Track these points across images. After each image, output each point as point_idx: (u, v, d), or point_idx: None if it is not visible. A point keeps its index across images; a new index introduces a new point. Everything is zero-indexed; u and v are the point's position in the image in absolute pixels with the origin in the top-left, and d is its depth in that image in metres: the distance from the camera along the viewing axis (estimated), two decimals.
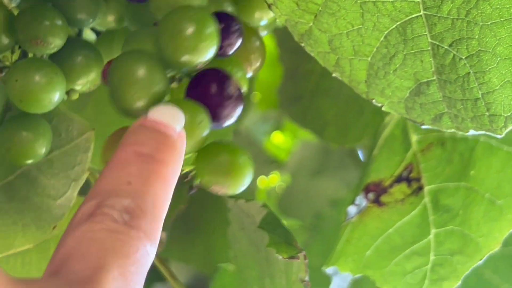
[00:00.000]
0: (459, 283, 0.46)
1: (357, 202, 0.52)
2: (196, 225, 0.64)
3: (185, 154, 0.34)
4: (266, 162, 0.91)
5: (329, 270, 0.54)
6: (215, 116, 0.34)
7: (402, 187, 0.51)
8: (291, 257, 0.46)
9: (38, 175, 0.38)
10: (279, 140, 1.12)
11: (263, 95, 0.97)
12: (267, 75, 0.92)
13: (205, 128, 0.33)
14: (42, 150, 0.36)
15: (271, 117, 1.03)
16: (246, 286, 0.54)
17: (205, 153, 0.35)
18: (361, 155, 0.80)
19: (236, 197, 0.52)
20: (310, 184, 0.89)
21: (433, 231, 0.48)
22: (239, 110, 0.35)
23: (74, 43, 0.38)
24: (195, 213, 0.65)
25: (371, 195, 0.52)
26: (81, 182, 0.38)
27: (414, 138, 0.52)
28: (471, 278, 0.68)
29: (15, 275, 0.36)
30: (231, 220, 0.55)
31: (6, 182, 0.38)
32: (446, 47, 0.31)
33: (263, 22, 0.40)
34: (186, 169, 0.36)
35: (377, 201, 0.52)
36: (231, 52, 0.36)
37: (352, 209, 0.52)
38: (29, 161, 0.36)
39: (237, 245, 0.55)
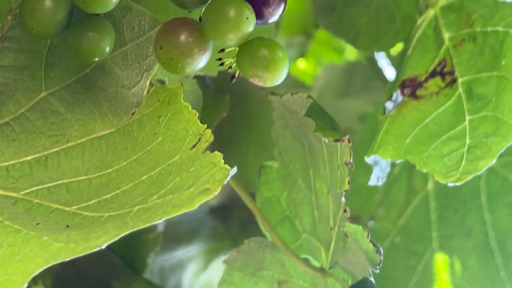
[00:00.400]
0: (494, 160, 0.49)
1: (393, 98, 0.56)
2: (239, 129, 0.67)
3: (230, 47, 0.37)
4: (292, 86, 0.93)
5: (369, 160, 0.58)
6: (259, 13, 0.37)
7: (437, 81, 0.54)
8: (337, 140, 0.49)
9: (113, 67, 0.41)
10: (303, 66, 1.14)
11: (287, 22, 0.99)
12: (290, 2, 0.94)
13: (250, 24, 0.35)
14: (107, 48, 0.39)
15: (296, 43, 1.06)
16: (291, 179, 0.57)
17: (247, 47, 0.37)
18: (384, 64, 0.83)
19: (281, 94, 0.55)
20: (336, 104, 0.92)
21: (467, 118, 0.52)
22: (281, 9, 0.37)
23: None
24: (237, 119, 0.69)
25: (407, 90, 0.55)
26: (152, 72, 0.41)
27: (446, 35, 0.55)
28: (496, 181, 0.72)
29: (101, 156, 0.39)
30: (274, 119, 0.58)
31: (83, 74, 0.41)
32: None
33: None
34: (229, 61, 0.39)
35: (413, 95, 0.55)
36: None
37: (389, 105, 0.56)
38: (96, 59, 0.39)
39: (281, 143, 0.58)
